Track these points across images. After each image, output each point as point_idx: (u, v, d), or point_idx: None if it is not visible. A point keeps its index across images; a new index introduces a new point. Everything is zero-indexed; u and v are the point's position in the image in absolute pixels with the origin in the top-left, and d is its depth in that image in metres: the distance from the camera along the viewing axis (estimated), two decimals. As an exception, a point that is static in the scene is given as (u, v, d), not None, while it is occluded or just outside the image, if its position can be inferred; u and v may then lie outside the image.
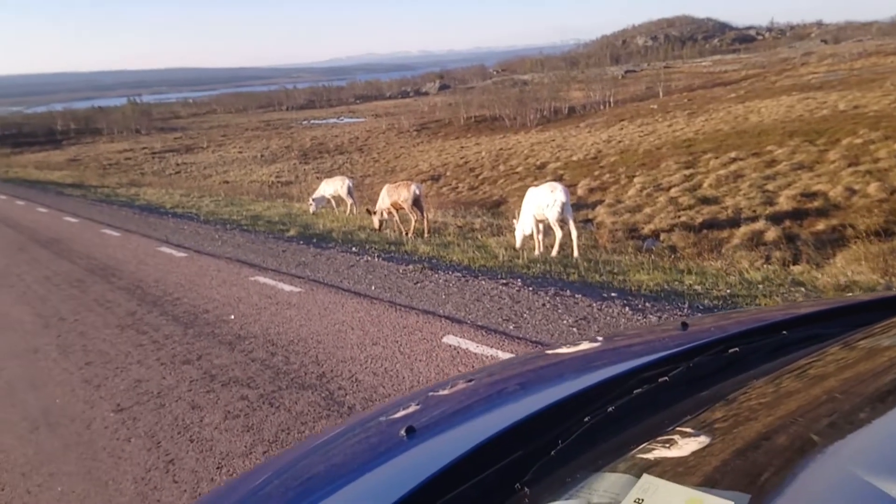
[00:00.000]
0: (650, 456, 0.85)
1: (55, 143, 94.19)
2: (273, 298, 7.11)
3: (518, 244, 10.71)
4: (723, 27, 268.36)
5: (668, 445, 0.86)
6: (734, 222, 14.81)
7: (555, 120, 63.96)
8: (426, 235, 11.58)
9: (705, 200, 17.53)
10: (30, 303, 8.01)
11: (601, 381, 1.18)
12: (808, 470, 0.72)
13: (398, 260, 8.74)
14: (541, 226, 10.69)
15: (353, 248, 9.86)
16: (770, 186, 17.95)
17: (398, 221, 12.31)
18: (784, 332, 1.39)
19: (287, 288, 7.47)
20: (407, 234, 11.82)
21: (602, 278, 7.30)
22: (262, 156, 62.72)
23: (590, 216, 18.62)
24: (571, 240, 10.15)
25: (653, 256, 11.18)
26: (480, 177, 33.94)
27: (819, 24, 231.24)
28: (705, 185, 19.33)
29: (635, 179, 23.01)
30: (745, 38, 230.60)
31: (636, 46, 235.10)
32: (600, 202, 20.42)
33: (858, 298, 1.87)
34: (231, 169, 54.06)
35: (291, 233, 11.75)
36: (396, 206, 11.96)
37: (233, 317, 6.55)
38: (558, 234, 10.03)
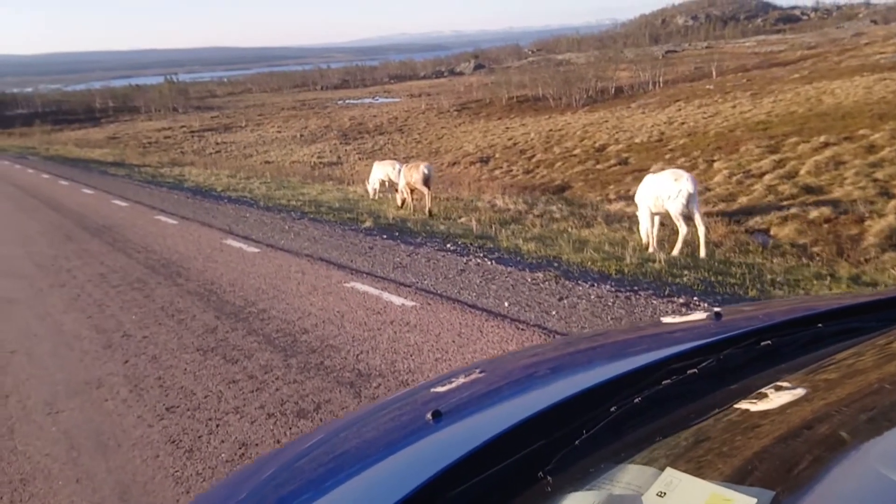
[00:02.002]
0: (675, 449, 0.84)
1: (94, 120, 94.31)
2: (384, 315, 5.71)
3: (645, 240, 9.33)
4: (766, 7, 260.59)
5: (693, 439, 0.86)
6: (856, 215, 13.07)
7: (602, 100, 61.63)
8: (425, 213, 12.31)
9: (809, 189, 15.74)
10: (85, 309, 6.72)
11: (629, 370, 1.14)
12: (835, 468, 0.70)
13: (512, 262, 7.31)
14: (656, 219, 9.26)
15: (449, 245, 8.45)
16: (880, 175, 16.08)
17: (411, 200, 13.05)
18: (819, 324, 1.35)
19: (396, 300, 6.07)
20: (401, 206, 12.89)
21: (780, 292, 5.86)
22: (301, 136, 61.54)
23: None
24: (698, 236, 8.73)
25: (787, 257, 9.64)
26: (534, 159, 32.24)
27: (867, 4, 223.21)
28: (802, 171, 17.50)
29: (716, 164, 21.20)
30: (789, 18, 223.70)
31: (676, 26, 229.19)
32: (682, 189, 18.72)
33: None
34: (271, 149, 52.98)
35: (367, 224, 10.40)
36: (410, 186, 12.55)
37: (341, 341, 5.17)
38: (682, 230, 8.58)
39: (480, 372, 1.45)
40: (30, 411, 4.42)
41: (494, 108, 67.21)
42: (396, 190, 14.33)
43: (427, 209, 12.38)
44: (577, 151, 31.09)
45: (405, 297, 6.11)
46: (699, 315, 1.72)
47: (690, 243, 9.50)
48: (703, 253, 8.47)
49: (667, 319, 1.83)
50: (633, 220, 14.21)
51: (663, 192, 8.65)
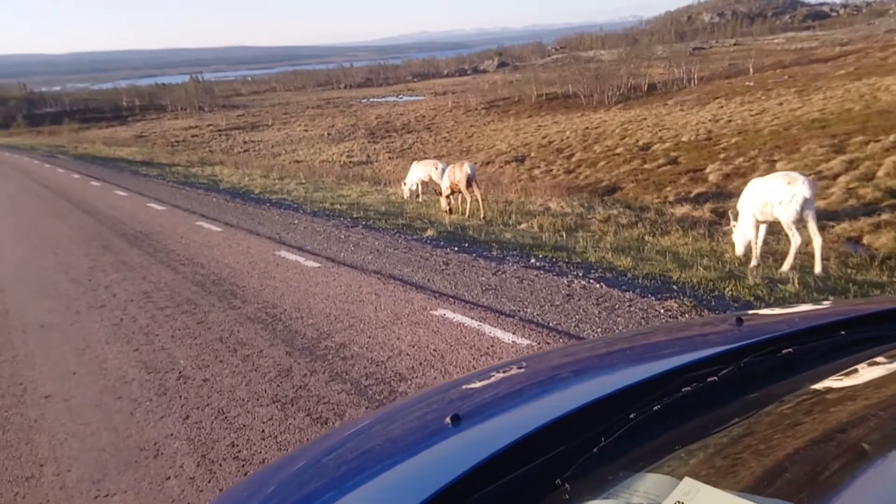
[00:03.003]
0: (694, 458, 0.83)
1: (121, 119, 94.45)
2: (494, 357, 4.67)
3: (740, 250, 8.24)
4: (794, 3, 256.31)
5: (712, 448, 0.85)
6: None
7: (635, 97, 60.07)
8: (480, 215, 11.65)
9: (894, 193, 14.47)
10: (130, 339, 5.76)
11: (649, 377, 1.13)
12: (856, 481, 0.68)
13: (620, 283, 6.24)
14: (762, 229, 8.19)
15: (534, 261, 7.40)
16: (971, 177, 14.81)
17: (450, 201, 12.38)
18: (842, 332, 1.32)
19: (503, 336, 5.00)
20: (450, 212, 12.12)
21: None
22: (328, 134, 60.76)
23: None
24: (813, 249, 7.66)
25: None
26: (573, 158, 31.05)
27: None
28: (881, 173, 16.18)
29: (777, 165, 19.90)
30: (818, 15, 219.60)
31: (702, 23, 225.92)
32: (748, 192, 17.47)
33: None
34: (299, 147, 52.24)
35: (429, 232, 9.40)
36: (454, 188, 11.95)
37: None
38: (796, 241, 7.49)
39: (500, 375, 1.44)
40: (71, 493, 3.43)
41: (523, 105, 65.93)
42: (439, 193, 13.73)
43: (481, 213, 11.76)
44: (619, 150, 29.86)
45: (512, 332, 5.06)
46: (721, 320, 1.78)
47: (772, 254, 8.49)
48: (817, 268, 7.41)
49: (688, 323, 1.93)
50: (709, 225, 13.11)
51: (774, 198, 7.61)
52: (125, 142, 53.27)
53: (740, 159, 21.84)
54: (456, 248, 8.19)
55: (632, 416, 0.99)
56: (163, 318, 6.25)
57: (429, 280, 6.72)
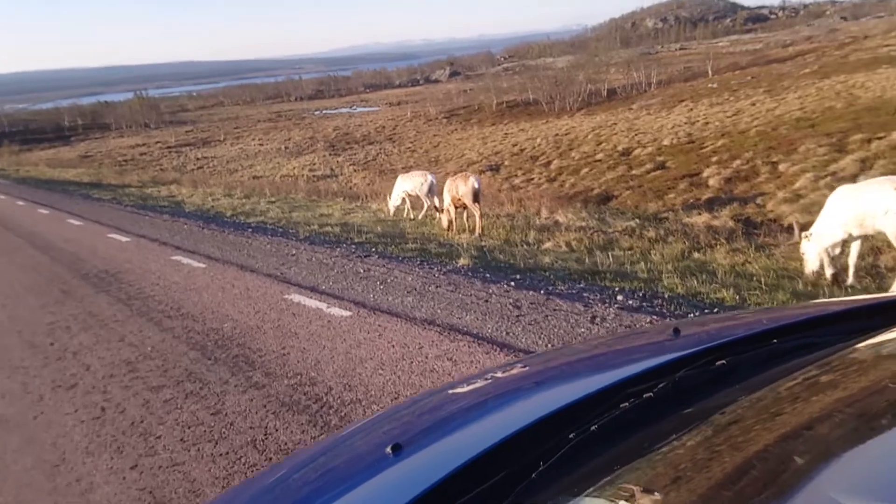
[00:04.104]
0: (632, 478, 0.82)
1: (64, 139, 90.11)
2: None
3: (813, 267, 7.06)
4: (734, 7, 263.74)
5: (650, 467, 0.85)
6: None
7: (596, 103, 59.56)
8: (477, 234, 10.48)
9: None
10: (122, 447, 4.07)
11: (588, 394, 1.13)
12: (788, 496, 0.69)
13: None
14: (855, 245, 6.98)
15: (621, 298, 5.96)
16: None
17: (454, 219, 11.22)
18: (774, 340, 1.35)
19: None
20: (452, 229, 11.08)
21: None
22: (286, 148, 58.61)
23: (771, 215, 14.65)
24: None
25: None
26: (551, 166, 29.90)
27: (833, 2, 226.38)
28: (902, 172, 15.34)
29: (781, 167, 18.97)
30: (758, 18, 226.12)
31: (646, 29, 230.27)
32: (759, 195, 16.43)
33: (855, 303, 1.66)
34: (256, 162, 50.08)
35: (463, 261, 7.91)
36: (456, 203, 10.87)
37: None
38: (906, 256, 6.22)
39: (440, 399, 1.44)
40: None
41: (485, 114, 64.89)
42: (437, 209, 12.58)
43: (478, 229, 10.62)
44: (599, 156, 28.81)
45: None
46: (659, 330, 1.81)
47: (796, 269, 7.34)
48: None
49: (627, 335, 1.91)
50: (746, 236, 11.90)
51: (877, 207, 6.41)
52: (70, 163, 50.24)
53: (737, 162, 20.88)
54: (511, 283, 6.69)
55: (571, 435, 1.00)
56: (161, 407, 4.56)
57: (509, 333, 5.18)
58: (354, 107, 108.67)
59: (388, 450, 1.06)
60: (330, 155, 50.56)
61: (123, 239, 11.75)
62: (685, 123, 32.87)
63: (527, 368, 1.58)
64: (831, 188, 15.77)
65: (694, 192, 18.38)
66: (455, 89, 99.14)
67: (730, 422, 0.96)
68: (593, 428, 1.02)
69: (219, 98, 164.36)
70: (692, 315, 5.25)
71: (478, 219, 10.82)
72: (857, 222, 6.62)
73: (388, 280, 7.17)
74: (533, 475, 0.92)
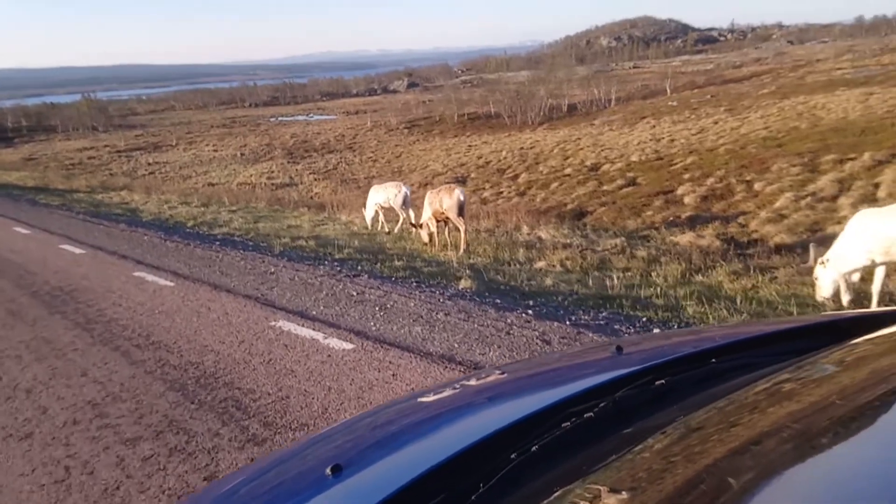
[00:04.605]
0: (572, 501, 0.82)
1: (6, 140, 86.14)
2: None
3: (826, 293, 6.57)
4: (685, 28, 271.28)
5: (589, 489, 0.84)
6: None
7: (558, 118, 59.75)
8: (462, 250, 9.84)
9: (913, 216, 13.40)
10: (94, 520, 3.26)
11: (530, 413, 1.12)
12: None
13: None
14: (880, 271, 6.59)
15: (656, 331, 5.38)
16: None
17: (437, 234, 10.64)
18: (713, 360, 1.36)
19: None
20: (434, 245, 10.49)
21: None
22: (241, 154, 57.11)
23: (756, 235, 14.36)
24: None
25: None
26: (519, 180, 29.50)
27: (779, 26, 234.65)
28: (882, 194, 15.24)
29: (756, 185, 18.85)
30: (707, 39, 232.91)
31: (600, 47, 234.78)
32: (740, 214, 16.18)
33: (793, 323, 1.72)
34: (211, 169, 48.52)
35: (465, 283, 7.26)
36: (438, 217, 10.25)
37: None
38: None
39: (382, 417, 1.43)
40: None
41: (447, 125, 64.53)
42: (402, 220, 12.54)
43: (461, 246, 10.07)
44: (568, 171, 28.53)
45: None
46: (602, 348, 1.75)
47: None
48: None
49: (571, 353, 1.89)
50: (740, 257, 11.52)
51: None
52: (13, 165, 47.80)
53: (710, 180, 20.73)
54: (527, 310, 6.04)
55: (513, 456, 0.99)
56: (140, 468, 3.73)
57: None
58: (311, 115, 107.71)
59: (328, 471, 1.04)
60: (288, 163, 49.39)
61: (77, 251, 10.70)
62: (651, 140, 32.88)
63: (472, 385, 1.53)
64: (812, 208, 15.72)
65: (672, 210, 18.09)
66: (414, 100, 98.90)
67: (669, 443, 0.93)
68: (534, 448, 1.02)
69: (170, 102, 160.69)
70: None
71: (462, 234, 10.23)
72: (883, 248, 6.20)
73: (388, 305, 6.44)
74: (473, 497, 0.91)
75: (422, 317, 5.99)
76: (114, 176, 41.37)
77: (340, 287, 7.27)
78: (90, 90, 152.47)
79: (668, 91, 62.99)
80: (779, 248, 12.41)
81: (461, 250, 10.09)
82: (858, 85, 38.56)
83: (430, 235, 10.71)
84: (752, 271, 9.41)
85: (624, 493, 0.78)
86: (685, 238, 14.19)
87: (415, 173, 37.63)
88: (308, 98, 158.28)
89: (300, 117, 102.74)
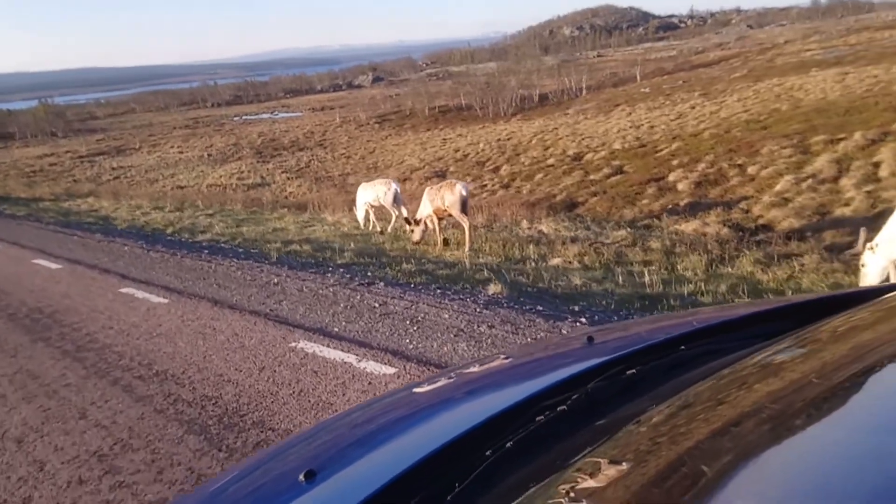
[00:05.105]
0: (547, 498, 0.82)
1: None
2: None
3: (872, 280, 6.03)
4: (646, 16, 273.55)
5: (564, 484, 0.83)
6: None
7: (530, 108, 59.29)
8: (467, 248, 9.32)
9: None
10: None
11: (503, 409, 1.11)
12: None
13: None
14: None
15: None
16: None
17: (438, 232, 10.03)
18: (682, 347, 1.37)
19: None
20: (436, 244, 9.96)
21: None
22: (208, 155, 55.65)
23: (761, 221, 13.95)
24: None
25: None
26: (501, 171, 28.95)
27: (738, 11, 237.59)
28: (884, 173, 14.91)
29: (750, 169, 18.47)
30: (668, 26, 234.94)
31: (563, 36, 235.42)
32: (742, 199, 15.76)
33: (762, 307, 1.69)
34: (178, 171, 47.11)
35: (493, 288, 6.63)
36: (440, 214, 9.78)
37: None
38: None
39: (354, 419, 1.41)
40: None
41: (418, 119, 63.66)
42: (395, 218, 12.04)
43: (467, 244, 9.48)
44: (551, 161, 27.99)
45: None
46: (573, 339, 1.77)
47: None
48: None
49: (543, 345, 1.94)
50: (758, 244, 11.04)
51: None
52: (-31, 175, 45.92)
53: (701, 166, 20.32)
54: (580, 319, 5.41)
55: (488, 453, 0.99)
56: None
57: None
58: (276, 112, 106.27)
59: (301, 477, 1.03)
60: (258, 162, 48.19)
61: (53, 265, 9.81)
62: (630, 127, 32.50)
63: (445, 383, 1.49)
64: (815, 191, 15.34)
65: (668, 198, 17.63)
66: (380, 94, 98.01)
67: (641, 432, 0.93)
68: (509, 444, 1.01)
69: (130, 105, 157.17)
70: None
71: (467, 231, 9.64)
72: None
73: (419, 318, 5.76)
74: (448, 498, 0.91)
75: (463, 331, 5.33)
76: (78, 182, 39.83)
77: (358, 298, 6.58)
78: (46, 95, 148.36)
79: (639, 78, 62.86)
80: (789, 234, 12.00)
81: (466, 248, 9.55)
82: (831, 65, 38.64)
83: (424, 234, 10.28)
84: (775, 259, 8.98)
85: (596, 490, 0.77)
86: (690, 226, 13.72)
87: (390, 168, 36.85)
88: (271, 96, 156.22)
89: (265, 115, 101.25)
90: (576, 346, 1.58)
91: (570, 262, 8.73)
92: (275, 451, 1.38)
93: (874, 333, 1.15)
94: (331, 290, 7.01)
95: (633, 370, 1.24)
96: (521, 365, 1.60)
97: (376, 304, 6.28)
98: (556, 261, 8.91)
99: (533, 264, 8.54)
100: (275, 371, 4.89)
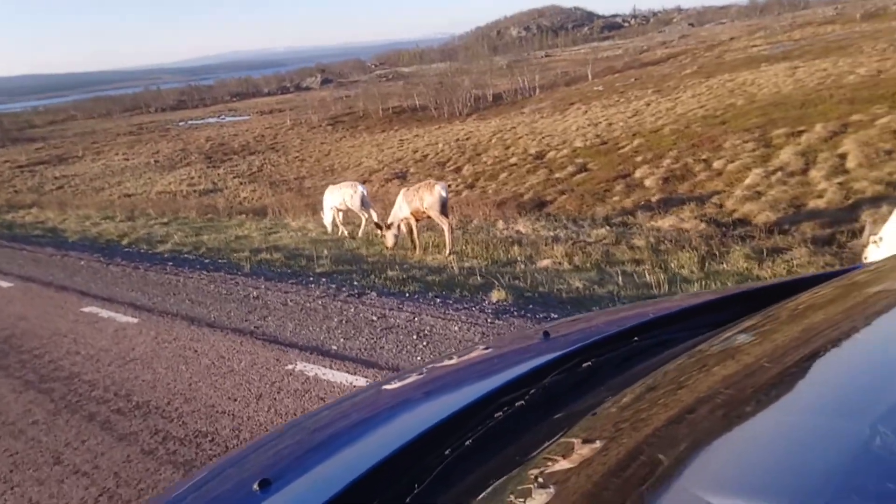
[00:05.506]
0: (507, 495, 0.82)
1: None
2: None
3: None
4: (590, 16, 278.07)
5: (522, 481, 0.83)
6: None
7: (484, 108, 59.16)
8: (448, 253, 8.91)
9: (892, 183, 13.11)
10: None
11: (462, 407, 1.11)
12: (657, 497, 0.68)
13: None
14: None
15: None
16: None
17: (416, 235, 9.62)
18: (636, 338, 1.39)
19: None
20: (416, 246, 9.55)
21: None
22: (155, 162, 53.91)
23: (737, 215, 13.86)
24: None
25: None
26: (463, 171, 28.60)
27: (679, 10, 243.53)
28: (851, 164, 14.98)
29: (716, 164, 18.46)
30: (612, 26, 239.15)
31: (511, 37, 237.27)
32: (714, 194, 15.69)
33: (711, 296, 1.76)
34: (125, 179, 45.44)
35: (497, 295, 6.22)
36: (418, 216, 9.39)
37: None
38: None
39: (312, 424, 1.40)
40: None
41: (372, 120, 62.91)
42: (365, 221, 11.60)
43: (448, 247, 9.11)
44: (513, 160, 27.73)
45: None
46: (529, 335, 1.77)
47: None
48: None
49: (500, 341, 1.90)
50: (744, 240, 10.89)
51: None
52: None
53: (667, 161, 20.26)
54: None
55: (447, 452, 0.99)
56: None
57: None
58: (223, 116, 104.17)
59: (255, 486, 1.00)
60: (208, 167, 46.82)
61: (3, 284, 9.00)
62: (589, 125, 32.49)
63: (403, 383, 1.47)
64: (785, 183, 15.35)
65: (638, 194, 17.49)
66: (330, 96, 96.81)
67: (597, 424, 0.93)
68: (468, 442, 1.01)
69: (70, 112, 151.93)
70: None
71: (448, 234, 9.29)
72: None
73: (425, 331, 5.29)
74: (408, 499, 0.90)
75: (479, 345, 4.88)
76: (19, 193, 38.00)
77: (352, 310, 6.07)
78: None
79: (590, 77, 63.35)
80: (771, 228, 11.90)
81: (448, 251, 9.18)
82: (779, 60, 39.43)
83: (397, 238, 9.90)
84: (765, 254, 8.83)
85: (556, 482, 0.77)
86: (666, 222, 13.56)
87: (348, 171, 36.17)
88: (217, 99, 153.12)
89: (211, 119, 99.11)
90: (532, 342, 1.60)
91: (559, 264, 8.41)
92: (234, 458, 1.34)
93: (825, 315, 1.14)
94: (319, 302, 6.48)
95: (589, 363, 1.26)
96: (480, 362, 1.60)
97: (374, 317, 5.78)
98: (544, 262, 8.58)
99: (522, 266, 8.21)
100: (275, 399, 4.36)
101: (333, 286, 7.11)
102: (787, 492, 0.61)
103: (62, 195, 36.11)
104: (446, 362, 1.63)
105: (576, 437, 0.90)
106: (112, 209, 21.03)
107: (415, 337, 5.18)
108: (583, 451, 0.84)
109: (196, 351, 5.48)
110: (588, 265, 8.33)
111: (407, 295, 6.51)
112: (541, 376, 1.19)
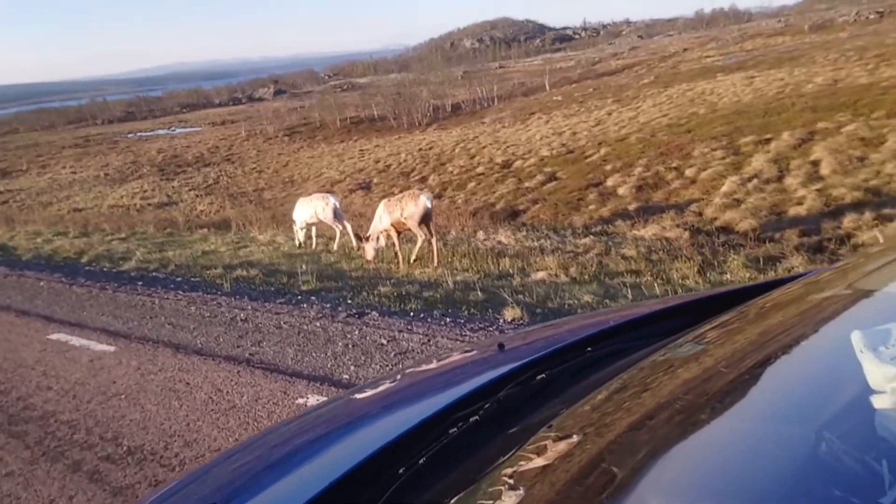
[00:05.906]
0: None
1: None
2: None
3: None
4: (542, 28, 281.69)
5: (478, 497, 0.83)
6: None
7: (444, 118, 58.97)
8: (435, 265, 8.60)
9: (873, 191, 13.15)
10: None
11: (416, 424, 1.09)
12: None
13: None
14: None
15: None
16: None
17: (398, 248, 9.31)
18: (589, 349, 1.37)
19: None
20: (399, 260, 9.20)
21: None
22: (105, 175, 52.24)
23: (718, 223, 13.75)
24: None
25: None
26: (429, 181, 28.26)
27: (628, 22, 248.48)
28: (825, 171, 15.06)
29: (687, 172, 18.48)
30: (563, 38, 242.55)
31: (464, 48, 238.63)
32: (691, 202, 15.61)
33: (662, 305, 1.74)
34: (74, 193, 43.82)
35: (510, 313, 5.80)
36: (399, 227, 9.12)
37: None
38: None
39: (263, 445, 1.36)
40: None
41: (329, 130, 62.18)
42: (340, 234, 11.36)
43: (435, 259, 8.82)
44: (480, 170, 27.52)
45: None
46: (484, 348, 1.80)
47: None
48: None
49: (456, 356, 1.72)
50: (732, 248, 10.73)
51: None
52: None
53: (638, 170, 20.24)
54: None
55: (401, 471, 0.97)
56: None
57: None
58: (173, 128, 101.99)
59: None
60: (162, 180, 45.53)
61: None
62: (553, 134, 32.50)
63: (361, 398, 1.46)
64: (762, 191, 15.35)
65: (612, 203, 17.35)
66: (284, 107, 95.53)
67: (553, 437, 0.91)
68: (422, 461, 1.00)
69: (11, 125, 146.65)
70: None
71: (434, 245, 8.93)
72: None
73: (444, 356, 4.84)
74: None
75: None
76: (-41, 209, 36.25)
77: (356, 333, 5.57)
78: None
79: (548, 87, 63.76)
80: (760, 235, 11.81)
81: (435, 263, 8.81)
82: (734, 70, 40.21)
83: (378, 251, 9.53)
84: (761, 262, 8.70)
85: (514, 498, 0.76)
86: (649, 231, 13.38)
87: (308, 182, 35.49)
88: (167, 111, 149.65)
89: (161, 131, 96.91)
90: (488, 355, 1.60)
91: (555, 276, 8.06)
92: (186, 480, 1.27)
93: (776, 321, 1.14)
94: (317, 324, 5.96)
95: (543, 375, 1.25)
96: (435, 377, 1.57)
97: (383, 341, 5.30)
98: (540, 275, 8.23)
99: (518, 279, 7.83)
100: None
101: (328, 305, 6.60)
102: (739, 498, 0.62)
103: (8, 210, 34.65)
104: (405, 375, 1.60)
105: (532, 451, 0.88)
106: (63, 224, 20.09)
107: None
108: (539, 463, 0.83)
109: (188, 383, 4.90)
110: (586, 277, 8.02)
111: (412, 314, 6.05)
112: (496, 390, 1.18)
